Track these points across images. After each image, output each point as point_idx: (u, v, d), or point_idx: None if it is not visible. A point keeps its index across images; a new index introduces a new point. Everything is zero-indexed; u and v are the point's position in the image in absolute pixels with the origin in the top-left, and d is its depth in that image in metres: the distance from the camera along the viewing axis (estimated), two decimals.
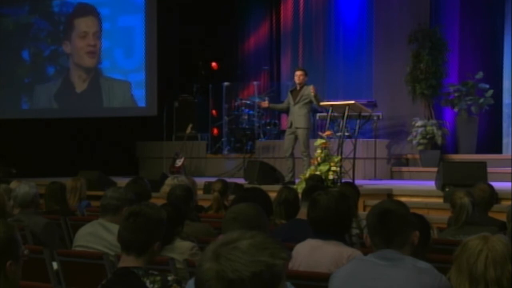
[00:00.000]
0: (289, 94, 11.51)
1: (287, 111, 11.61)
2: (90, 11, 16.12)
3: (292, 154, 11.34)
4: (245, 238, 1.84)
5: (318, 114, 13.14)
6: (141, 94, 15.78)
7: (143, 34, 15.65)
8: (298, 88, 11.32)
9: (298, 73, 11.40)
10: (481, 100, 12.68)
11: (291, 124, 11.34)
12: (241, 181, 11.58)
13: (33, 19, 16.42)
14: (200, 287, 1.83)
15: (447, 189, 9.28)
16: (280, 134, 14.37)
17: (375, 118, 12.73)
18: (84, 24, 16.12)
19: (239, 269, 1.79)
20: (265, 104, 12.14)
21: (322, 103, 11.43)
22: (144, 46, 15.64)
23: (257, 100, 14.46)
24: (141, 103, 15.78)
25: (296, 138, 11.31)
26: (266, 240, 1.85)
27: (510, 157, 11.89)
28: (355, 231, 5.91)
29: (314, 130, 13.22)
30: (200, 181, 10.38)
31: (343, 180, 9.99)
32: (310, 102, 11.19)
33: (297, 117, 11.21)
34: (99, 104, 16.00)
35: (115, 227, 4.39)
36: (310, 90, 11.09)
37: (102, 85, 15.97)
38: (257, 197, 4.81)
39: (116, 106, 15.87)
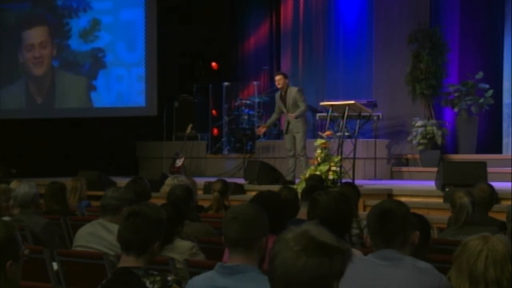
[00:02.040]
0: (278, 100, 11.45)
1: (281, 116, 11.55)
2: (36, 21, 16.21)
3: (294, 154, 11.33)
4: None
5: (318, 114, 13.13)
6: (140, 94, 15.75)
7: (143, 35, 15.62)
8: (283, 93, 11.28)
9: (276, 78, 11.34)
10: (481, 100, 12.67)
11: (287, 130, 11.31)
12: (241, 181, 11.59)
13: (38, 11, 16.44)
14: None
15: (447, 189, 9.27)
16: (280, 134, 14.36)
17: (375, 118, 12.71)
18: (29, 36, 16.23)
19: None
20: (262, 130, 12.32)
21: (322, 103, 11.43)
22: (143, 46, 15.61)
23: (257, 100, 14.46)
24: (141, 102, 15.75)
25: (295, 139, 11.29)
26: None
27: (510, 157, 11.88)
28: (355, 231, 5.91)
29: (314, 130, 13.22)
30: (200, 181, 10.38)
31: (343, 180, 9.98)
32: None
33: (295, 123, 11.18)
34: (85, 105, 16.02)
35: (115, 227, 4.39)
36: (295, 92, 11.08)
37: (58, 84, 16.10)
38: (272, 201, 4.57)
39: (72, 106, 15.92)
